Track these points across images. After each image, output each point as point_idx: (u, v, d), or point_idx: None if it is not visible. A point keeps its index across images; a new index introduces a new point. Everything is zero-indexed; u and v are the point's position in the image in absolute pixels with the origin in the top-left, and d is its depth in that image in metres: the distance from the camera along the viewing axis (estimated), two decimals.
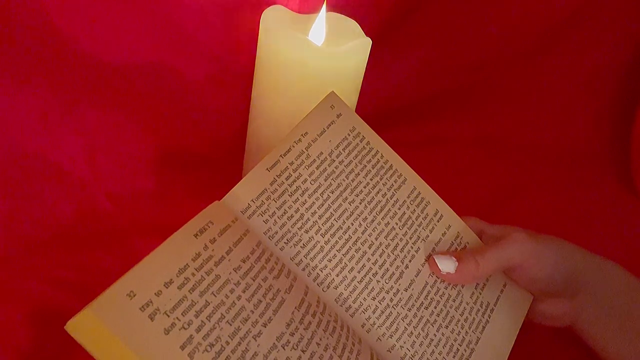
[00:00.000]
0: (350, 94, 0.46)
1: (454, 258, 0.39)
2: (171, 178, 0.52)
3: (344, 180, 0.38)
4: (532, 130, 0.67)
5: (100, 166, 0.49)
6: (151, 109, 0.49)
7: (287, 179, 0.36)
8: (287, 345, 0.30)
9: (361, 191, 0.39)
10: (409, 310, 0.37)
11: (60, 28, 0.42)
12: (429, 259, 0.39)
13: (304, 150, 0.37)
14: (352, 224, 0.38)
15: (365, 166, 0.40)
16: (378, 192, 0.39)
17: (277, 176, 0.36)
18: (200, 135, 0.53)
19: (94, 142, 0.48)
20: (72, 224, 0.46)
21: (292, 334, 0.30)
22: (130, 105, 0.48)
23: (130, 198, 0.50)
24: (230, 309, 0.29)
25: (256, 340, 0.29)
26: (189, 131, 0.52)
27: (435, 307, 0.38)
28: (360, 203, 0.38)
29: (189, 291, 0.28)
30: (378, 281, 0.37)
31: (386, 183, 0.40)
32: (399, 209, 0.40)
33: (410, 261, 0.39)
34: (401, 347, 0.36)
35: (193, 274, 0.29)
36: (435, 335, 0.37)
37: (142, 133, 0.50)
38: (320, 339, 0.31)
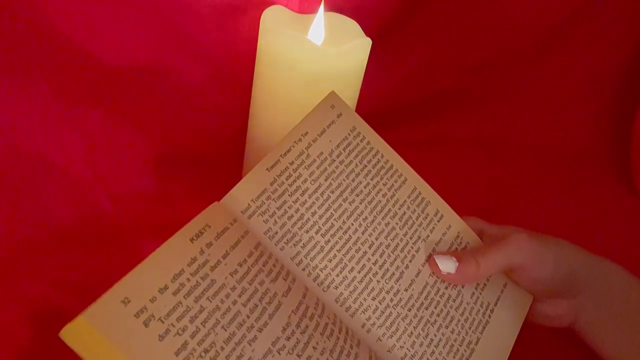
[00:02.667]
0: (350, 94, 0.46)
1: (454, 258, 0.39)
2: (171, 178, 0.52)
3: (344, 180, 0.38)
4: (532, 130, 0.67)
5: (100, 166, 0.49)
6: (151, 109, 0.49)
7: (287, 179, 0.36)
8: (283, 350, 0.29)
9: (361, 191, 0.39)
10: (409, 310, 0.37)
11: (61, 29, 0.42)
12: (429, 259, 0.39)
13: (304, 150, 0.37)
14: (353, 224, 0.38)
15: (366, 166, 0.40)
16: (378, 192, 0.39)
17: (277, 176, 0.36)
18: (200, 135, 0.53)
19: (94, 142, 0.48)
20: (72, 224, 0.46)
21: (287, 339, 0.30)
22: (131, 106, 0.48)
23: (130, 198, 0.50)
24: (226, 314, 0.29)
25: (251, 346, 0.29)
26: (189, 131, 0.52)
27: (436, 307, 0.38)
28: (361, 203, 0.38)
29: (183, 297, 0.28)
30: (378, 281, 0.37)
31: (386, 183, 0.40)
32: (399, 209, 0.40)
33: (410, 261, 0.39)
34: (401, 347, 0.36)
35: (188, 280, 0.28)
36: (435, 335, 0.37)
37: (142, 133, 0.50)
38: (317, 343, 0.31)
